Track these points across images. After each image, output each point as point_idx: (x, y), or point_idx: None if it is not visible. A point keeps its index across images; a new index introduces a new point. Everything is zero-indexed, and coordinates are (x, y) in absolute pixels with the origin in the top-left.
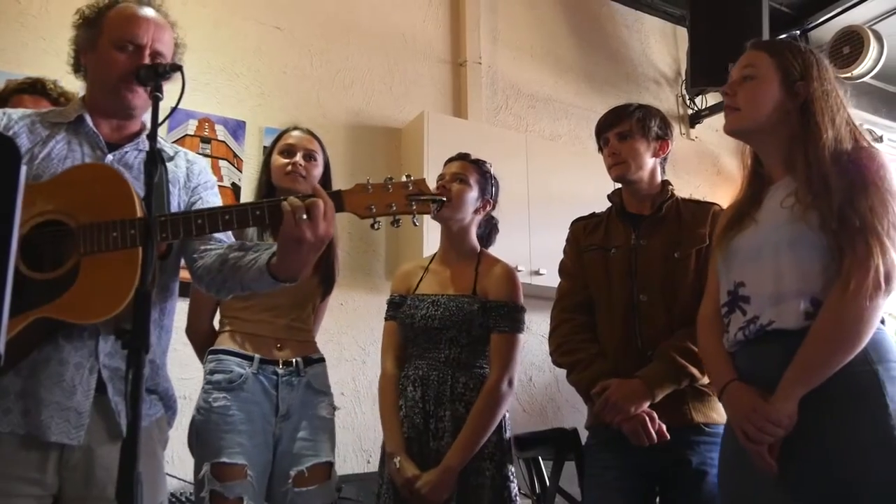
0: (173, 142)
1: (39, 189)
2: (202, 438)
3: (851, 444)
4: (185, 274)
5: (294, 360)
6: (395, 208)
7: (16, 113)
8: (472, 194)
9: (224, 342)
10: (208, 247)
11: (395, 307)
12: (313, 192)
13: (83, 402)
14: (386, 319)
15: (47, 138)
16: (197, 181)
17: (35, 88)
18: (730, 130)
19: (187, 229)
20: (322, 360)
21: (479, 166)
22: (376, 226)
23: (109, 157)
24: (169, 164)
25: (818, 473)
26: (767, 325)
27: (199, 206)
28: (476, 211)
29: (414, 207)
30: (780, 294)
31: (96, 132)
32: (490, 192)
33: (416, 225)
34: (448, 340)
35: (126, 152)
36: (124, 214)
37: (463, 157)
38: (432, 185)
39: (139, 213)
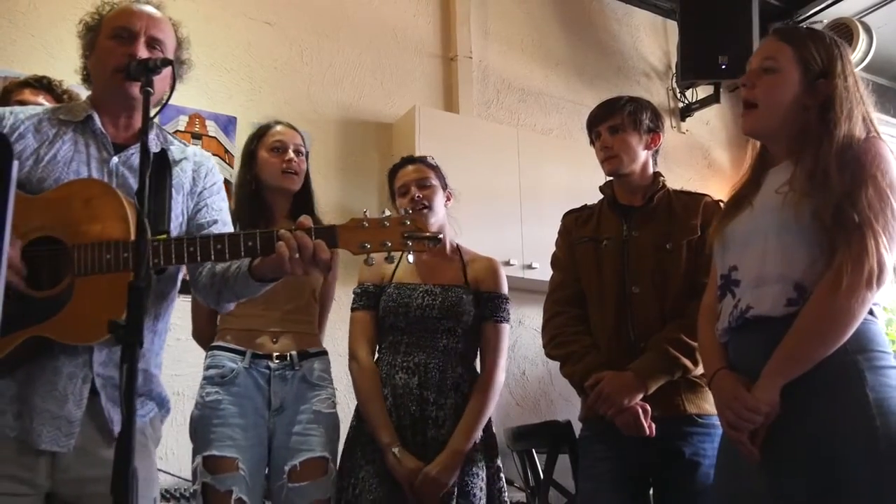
0: None
1: (37, 203)
2: (196, 432)
3: (834, 435)
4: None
5: (288, 354)
6: (389, 245)
7: (23, 112)
8: (440, 194)
9: (220, 339)
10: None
11: (371, 296)
12: (307, 232)
13: (74, 411)
14: (357, 309)
15: (54, 138)
16: (202, 185)
17: (40, 84)
18: (749, 131)
19: (179, 256)
20: (323, 353)
21: (428, 163)
22: (371, 262)
23: (115, 159)
24: (175, 169)
25: (801, 463)
26: (746, 311)
27: (204, 212)
28: (444, 205)
29: (410, 245)
30: (761, 277)
31: (104, 132)
32: (444, 182)
33: (409, 263)
34: (446, 331)
35: (132, 154)
36: (118, 235)
37: (412, 160)
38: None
39: (133, 235)
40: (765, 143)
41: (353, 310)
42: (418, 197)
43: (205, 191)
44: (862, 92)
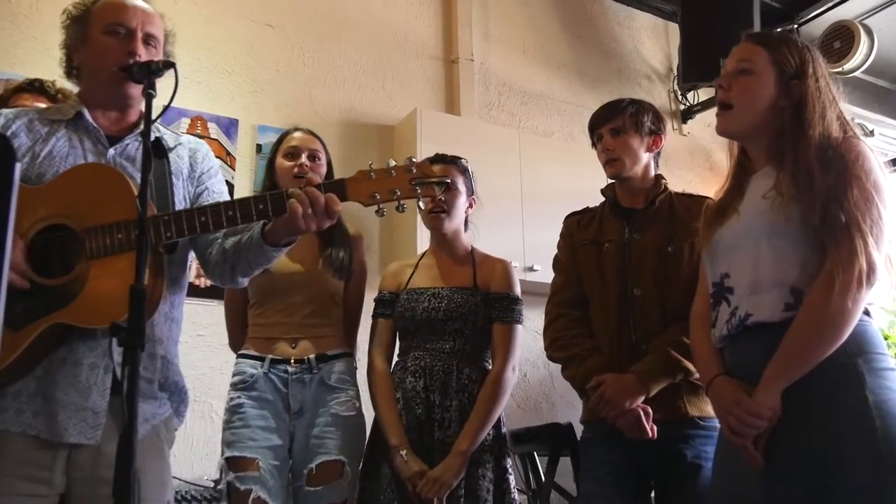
0: None
1: (40, 193)
2: (223, 435)
3: (833, 437)
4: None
5: (306, 358)
6: (399, 194)
7: (11, 112)
8: (462, 199)
9: (245, 348)
10: (215, 239)
11: (387, 304)
12: (317, 187)
13: (99, 402)
14: (376, 317)
15: (47, 136)
16: (201, 169)
17: (33, 87)
18: (722, 131)
19: (191, 227)
20: (343, 355)
21: (459, 165)
22: (382, 213)
23: (112, 151)
24: (171, 155)
25: (801, 466)
26: (746, 318)
27: (205, 195)
28: (465, 211)
29: (419, 191)
30: (757, 284)
31: (96, 127)
32: (472, 188)
33: (421, 209)
34: (453, 332)
35: (127, 145)
36: (127, 214)
37: (443, 159)
38: None
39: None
40: (743, 146)
41: (372, 318)
42: (437, 199)
43: (203, 174)
44: (834, 93)
